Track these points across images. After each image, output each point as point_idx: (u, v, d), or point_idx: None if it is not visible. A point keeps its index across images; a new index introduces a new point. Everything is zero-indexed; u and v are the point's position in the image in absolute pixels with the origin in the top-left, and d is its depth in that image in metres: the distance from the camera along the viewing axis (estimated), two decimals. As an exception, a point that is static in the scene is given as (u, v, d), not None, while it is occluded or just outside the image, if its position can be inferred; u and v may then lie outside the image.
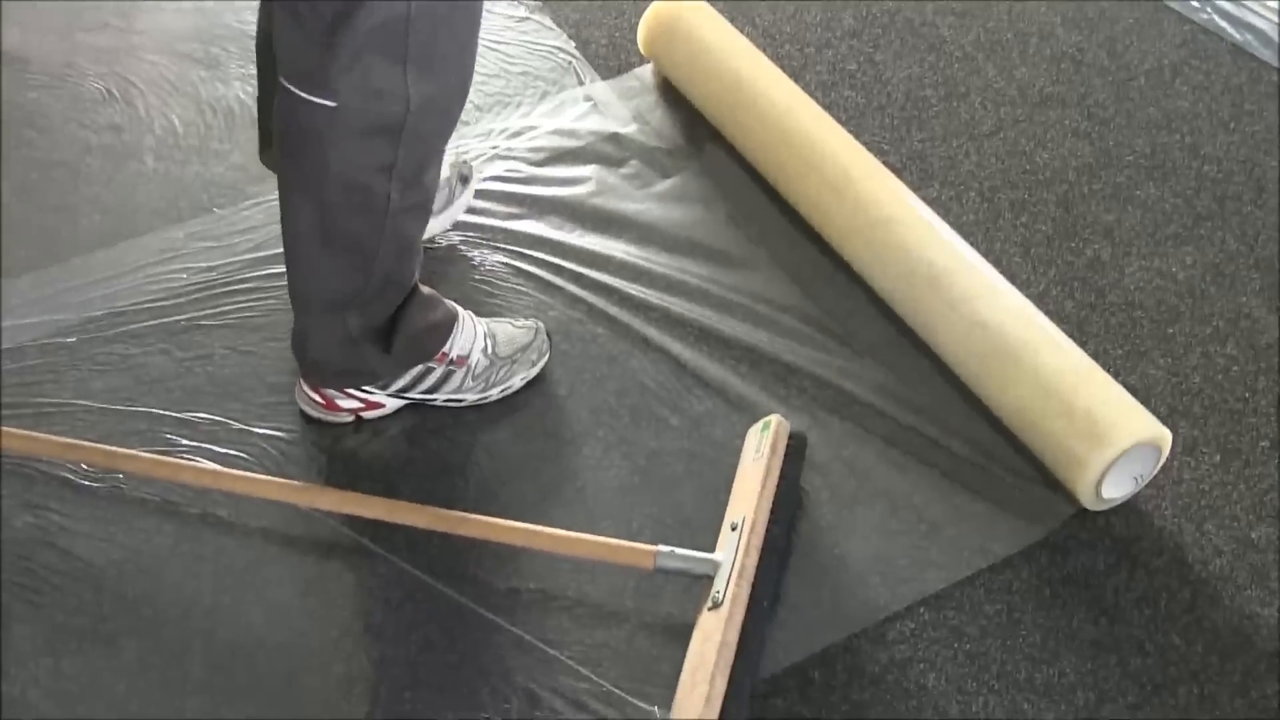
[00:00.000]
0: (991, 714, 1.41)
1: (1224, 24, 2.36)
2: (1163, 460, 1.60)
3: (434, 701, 1.42)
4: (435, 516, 1.54)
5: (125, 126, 2.18)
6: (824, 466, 1.65)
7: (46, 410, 1.70)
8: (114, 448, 1.61)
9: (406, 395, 1.66)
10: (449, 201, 1.92)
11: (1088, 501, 1.59)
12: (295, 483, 1.59)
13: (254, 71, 2.26)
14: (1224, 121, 2.17)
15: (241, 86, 2.25)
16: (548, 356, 1.74)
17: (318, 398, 1.65)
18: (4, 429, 1.62)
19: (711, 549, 1.48)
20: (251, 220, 1.99)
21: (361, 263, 1.49)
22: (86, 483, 1.62)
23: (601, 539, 1.51)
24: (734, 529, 1.47)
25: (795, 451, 1.58)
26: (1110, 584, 1.54)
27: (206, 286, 1.88)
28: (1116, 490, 1.58)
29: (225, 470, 1.61)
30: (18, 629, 1.48)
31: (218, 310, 1.84)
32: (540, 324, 1.75)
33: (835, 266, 1.90)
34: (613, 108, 2.21)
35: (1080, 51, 2.32)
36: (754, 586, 1.42)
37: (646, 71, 2.27)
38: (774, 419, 1.59)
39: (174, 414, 1.70)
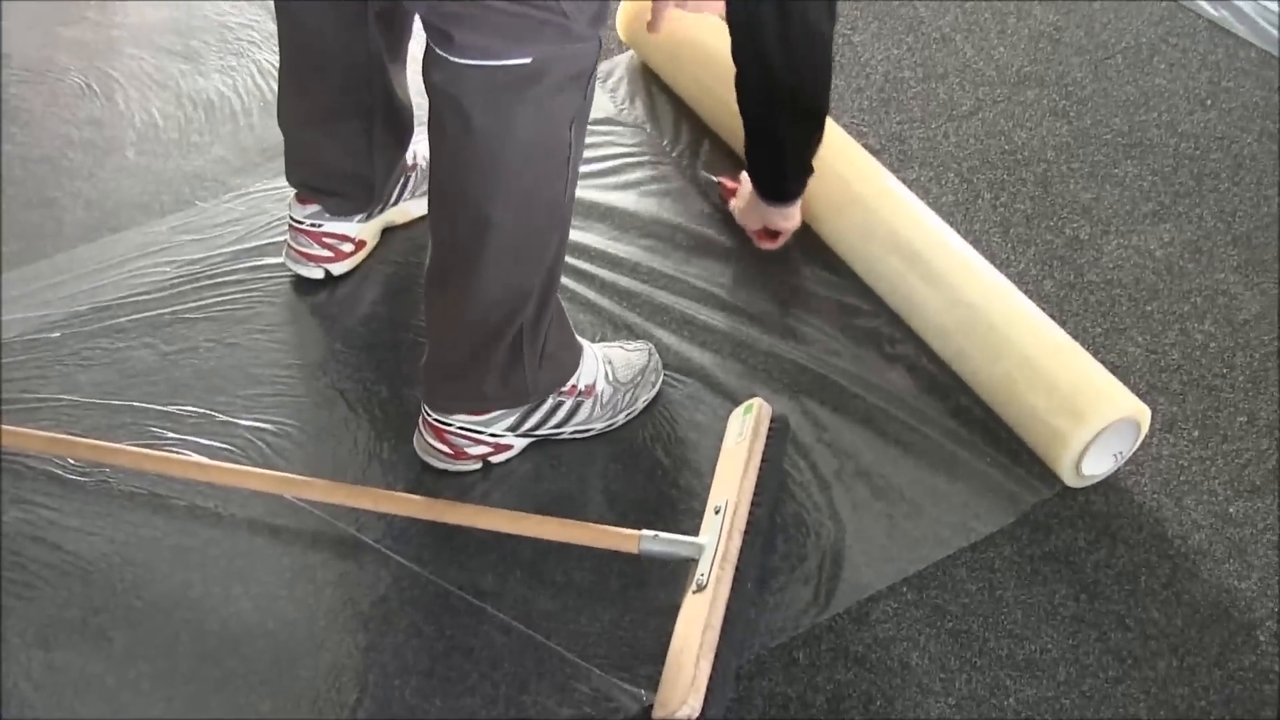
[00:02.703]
0: (974, 691, 1.43)
1: (1201, 1, 2.37)
2: (1142, 437, 1.62)
3: (421, 688, 1.43)
4: (421, 505, 1.55)
5: (106, 121, 2.19)
6: (806, 448, 1.66)
7: (33, 405, 1.71)
8: (101, 442, 1.63)
9: (536, 433, 1.64)
10: None
11: (1068, 478, 1.60)
12: (281, 474, 1.60)
13: (233, 64, 2.28)
14: (1201, 99, 2.19)
15: (221, 79, 2.25)
16: (663, 375, 1.74)
17: (444, 448, 1.61)
18: (-9, 425, 1.63)
19: (695, 533, 1.49)
20: (234, 213, 1.99)
21: (554, 221, 1.45)
22: (74, 477, 1.63)
23: (586, 524, 1.52)
24: (717, 512, 1.48)
25: (778, 434, 1.60)
26: (1090, 560, 1.55)
27: (190, 280, 1.88)
28: (1097, 467, 1.60)
29: (211, 463, 1.61)
30: (8, 622, 1.49)
31: (202, 303, 1.85)
32: (650, 344, 1.75)
33: (817, 249, 1.91)
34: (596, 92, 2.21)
35: (1058, 30, 2.33)
36: (738, 569, 1.43)
37: (625, 59, 2.27)
38: (756, 402, 1.60)
39: (159, 407, 1.71)
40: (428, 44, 1.31)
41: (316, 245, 1.83)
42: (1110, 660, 1.46)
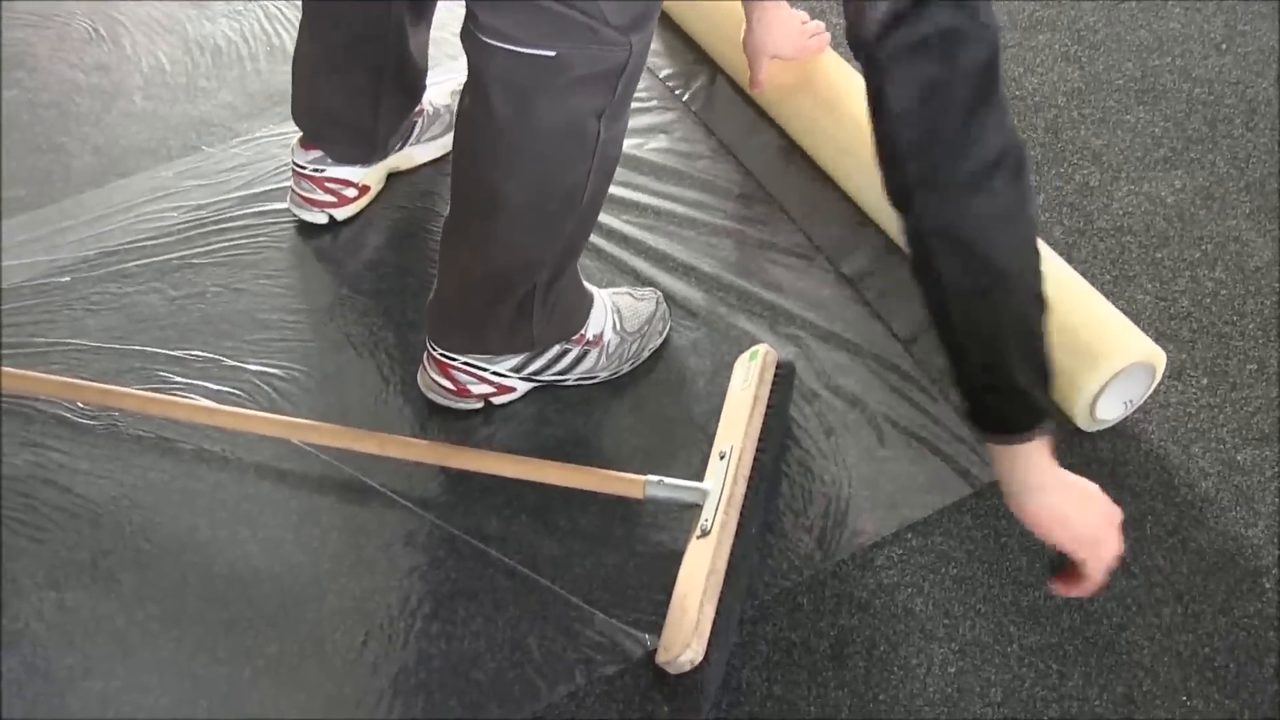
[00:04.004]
0: (978, 637, 1.44)
1: (1217, -56, 2.34)
2: (1154, 385, 1.61)
3: (426, 630, 1.44)
4: (426, 449, 1.56)
5: (113, 66, 2.18)
6: (811, 395, 1.66)
7: (42, 349, 1.71)
8: (109, 385, 1.63)
9: (539, 378, 1.64)
10: (449, 127, 1.92)
11: (1082, 419, 1.59)
12: (288, 418, 1.61)
13: (239, 9, 2.26)
14: (1216, 43, 2.16)
15: (228, 24, 2.24)
16: (670, 323, 1.74)
17: (448, 383, 1.61)
18: (1, 368, 1.64)
19: (700, 478, 1.49)
20: (241, 158, 1.99)
21: (571, 205, 1.42)
22: (84, 420, 1.64)
23: (591, 469, 1.52)
24: (722, 458, 1.48)
25: (783, 380, 1.59)
26: (1096, 507, 1.55)
27: (197, 225, 1.88)
28: (1109, 412, 1.59)
29: (219, 407, 1.62)
30: (19, 564, 1.50)
31: (209, 248, 1.85)
32: (658, 292, 1.73)
33: (826, 192, 1.90)
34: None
35: (1072, -25, 2.30)
36: (742, 514, 1.43)
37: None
38: (762, 348, 1.60)
39: (167, 351, 1.71)
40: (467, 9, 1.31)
41: (320, 190, 1.83)
42: (1115, 607, 1.46)
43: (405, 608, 1.46)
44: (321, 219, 1.86)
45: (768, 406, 1.54)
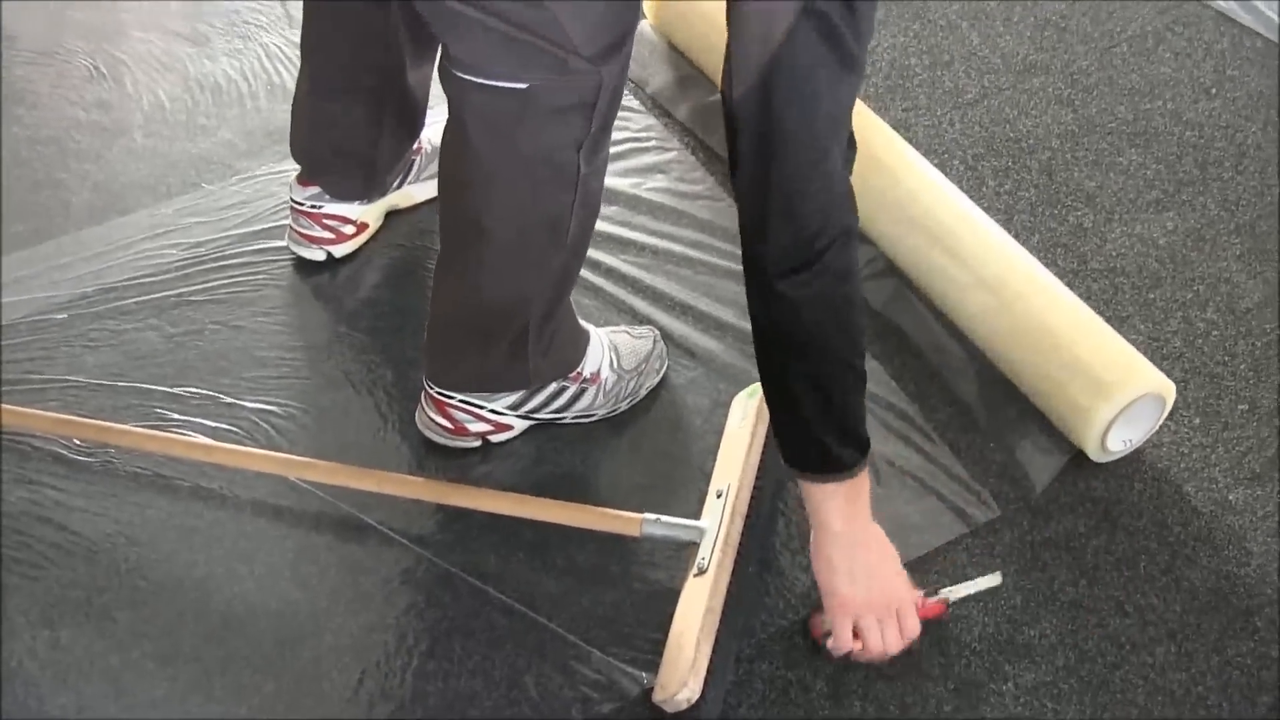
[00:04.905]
0: (974, 675, 1.44)
1: (1207, -11, 2.37)
2: (1160, 421, 1.64)
3: (423, 669, 1.44)
4: (423, 487, 1.56)
5: (114, 103, 2.19)
6: (808, 434, 1.66)
7: (39, 386, 1.72)
8: (106, 423, 1.63)
9: (537, 416, 1.65)
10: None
11: (1092, 451, 1.61)
12: (285, 455, 1.61)
13: (240, 48, 2.28)
14: (1206, 88, 2.19)
15: (229, 62, 2.26)
16: (667, 362, 1.74)
17: (446, 422, 1.61)
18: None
19: (697, 517, 1.49)
20: (240, 195, 2.00)
21: (556, 239, 1.43)
22: (80, 458, 1.64)
23: (588, 508, 1.53)
24: (719, 496, 1.49)
25: None
26: (1091, 546, 1.56)
27: (196, 262, 1.89)
28: (1118, 441, 1.61)
29: (216, 444, 1.62)
30: (13, 601, 1.50)
31: (207, 285, 1.86)
32: (655, 330, 1.74)
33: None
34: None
35: (1064, 19, 2.33)
36: (739, 552, 1.44)
37: (645, 30, 2.27)
38: (759, 385, 1.60)
39: (165, 389, 1.71)
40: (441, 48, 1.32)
41: (317, 227, 1.84)
42: (1109, 646, 1.47)
43: (402, 645, 1.46)
44: (320, 256, 1.86)
45: (765, 444, 1.55)
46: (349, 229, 1.86)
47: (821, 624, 1.42)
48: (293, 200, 1.83)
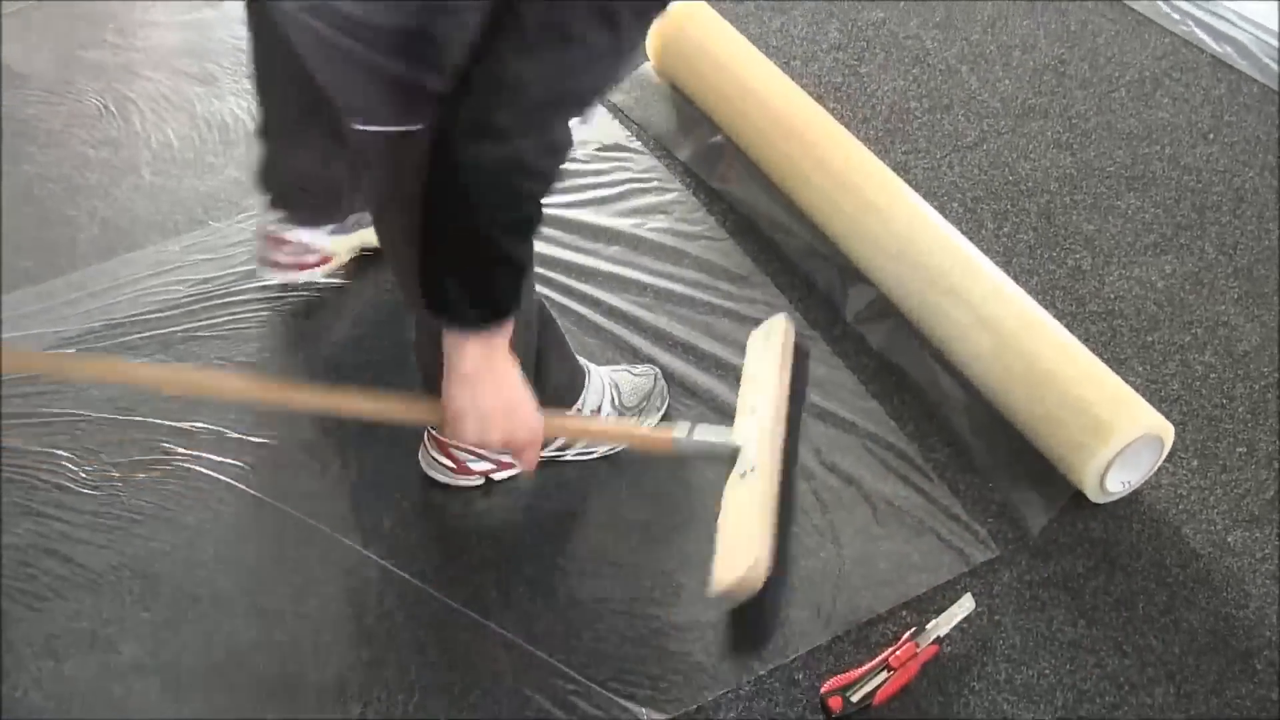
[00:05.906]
0: (971, 714, 1.44)
1: (1204, 36, 2.40)
2: (1159, 463, 1.65)
3: (425, 703, 1.44)
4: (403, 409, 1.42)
5: (122, 141, 2.22)
6: (809, 472, 1.68)
7: (47, 420, 1.73)
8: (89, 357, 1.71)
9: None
10: None
11: (1091, 492, 1.62)
12: (254, 380, 1.66)
13: (247, 87, 2.30)
14: (1203, 133, 2.21)
15: (236, 102, 2.28)
16: (668, 400, 1.75)
17: (448, 461, 1.63)
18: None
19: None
20: (246, 233, 2.02)
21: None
22: (85, 490, 1.65)
23: (620, 425, 1.59)
24: (753, 412, 1.36)
25: (801, 360, 1.47)
26: (1089, 587, 1.56)
27: (203, 298, 1.91)
28: (1116, 482, 1.62)
29: (182, 366, 1.68)
30: (18, 632, 1.51)
31: (213, 322, 1.87)
32: (656, 369, 1.75)
33: (829, 269, 1.93)
34: (603, 118, 2.24)
35: (1062, 64, 2.35)
36: (785, 455, 1.31)
37: (648, 73, 2.30)
38: (777, 320, 1.46)
39: (171, 423, 1.73)
40: None
41: (281, 253, 1.86)
42: (1108, 686, 1.47)
43: (404, 679, 1.46)
44: (281, 280, 1.90)
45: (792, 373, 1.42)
46: (312, 257, 1.88)
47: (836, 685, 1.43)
48: (261, 226, 1.86)
